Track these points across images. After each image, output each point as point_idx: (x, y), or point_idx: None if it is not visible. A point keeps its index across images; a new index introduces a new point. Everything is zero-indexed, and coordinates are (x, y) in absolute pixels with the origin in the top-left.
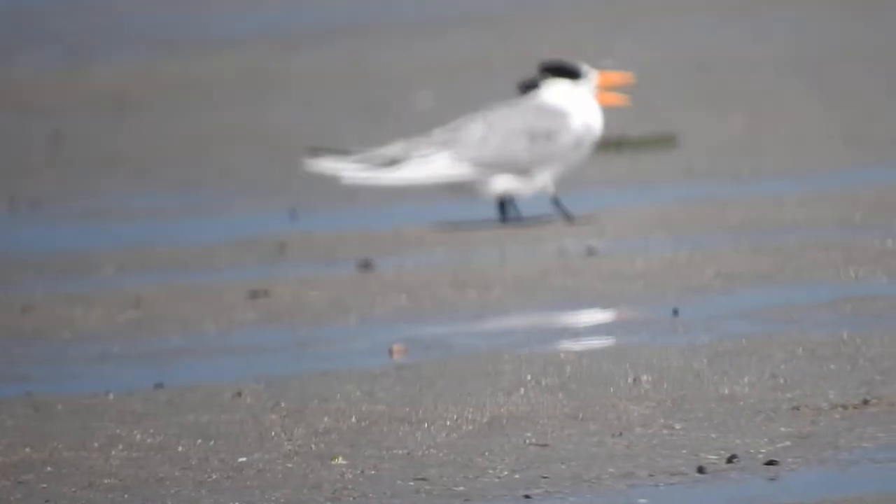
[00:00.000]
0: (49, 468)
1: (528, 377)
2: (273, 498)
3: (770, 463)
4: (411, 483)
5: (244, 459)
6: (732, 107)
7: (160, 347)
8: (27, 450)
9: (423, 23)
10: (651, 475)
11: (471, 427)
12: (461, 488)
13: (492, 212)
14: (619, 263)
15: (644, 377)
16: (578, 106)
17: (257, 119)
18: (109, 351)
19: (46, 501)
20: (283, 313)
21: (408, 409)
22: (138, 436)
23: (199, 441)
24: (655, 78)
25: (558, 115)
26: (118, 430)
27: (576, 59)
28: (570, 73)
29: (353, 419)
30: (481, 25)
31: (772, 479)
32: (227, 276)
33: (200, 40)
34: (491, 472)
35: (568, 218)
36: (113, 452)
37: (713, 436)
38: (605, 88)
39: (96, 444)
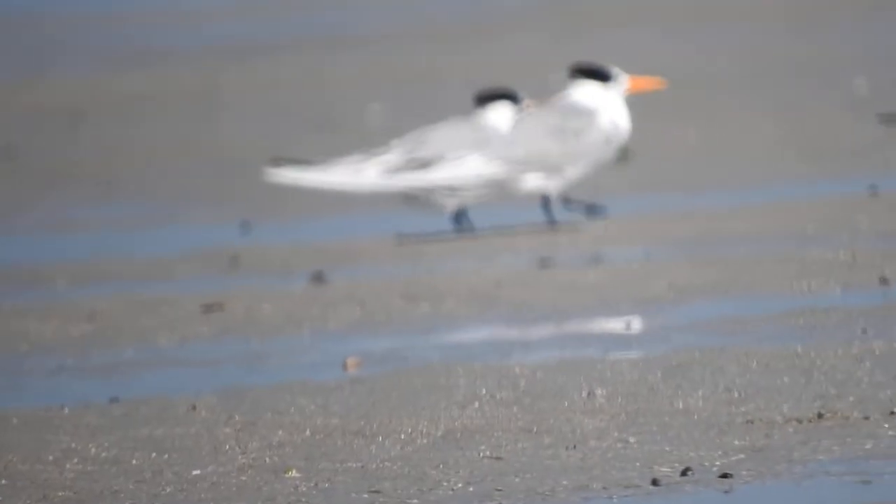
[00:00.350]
0: (4, 481)
1: (483, 390)
2: None
3: (724, 476)
4: (365, 496)
5: (198, 472)
6: (685, 120)
7: (115, 361)
8: None
9: (375, 35)
10: (605, 488)
11: (425, 440)
12: (415, 501)
13: (444, 223)
14: (572, 275)
15: (598, 390)
16: (607, 106)
17: (211, 131)
18: (64, 364)
19: None
20: (236, 327)
21: (362, 423)
22: (93, 449)
23: (154, 454)
24: None
25: (587, 114)
26: (73, 444)
27: (605, 63)
28: (600, 75)
29: (308, 432)
30: (434, 38)
31: (726, 493)
32: (181, 289)
33: (155, 53)
34: (445, 484)
35: (552, 222)
36: (68, 466)
37: (667, 449)
38: (634, 92)
39: (51, 458)
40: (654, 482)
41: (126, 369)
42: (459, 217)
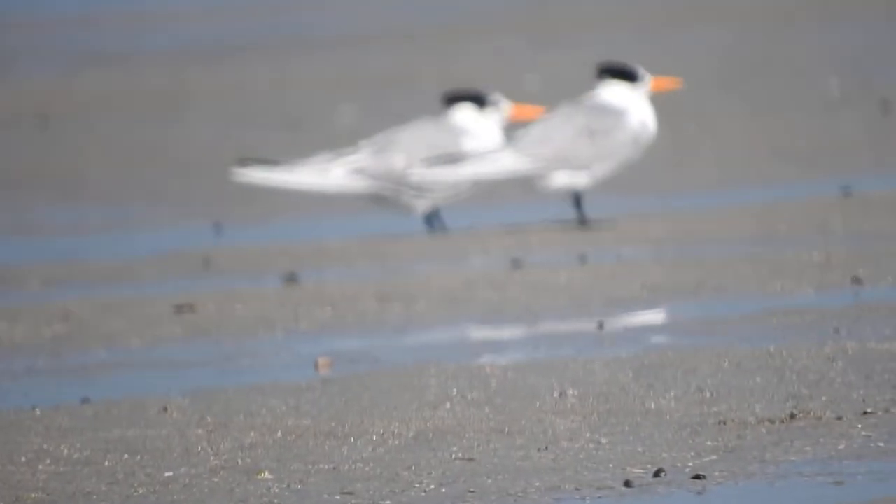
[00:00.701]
0: None
1: (454, 391)
2: None
3: (697, 477)
4: (337, 497)
5: (170, 474)
6: (658, 121)
7: (86, 362)
8: None
9: (346, 37)
10: (577, 489)
11: (397, 441)
12: (388, 502)
13: (417, 224)
14: (543, 276)
15: (570, 391)
16: (635, 106)
17: (180, 133)
18: (35, 365)
19: None
20: (208, 328)
21: (334, 424)
22: (65, 450)
23: (126, 456)
24: (578, 92)
25: (616, 113)
26: (45, 445)
27: (632, 63)
28: (627, 75)
29: (279, 433)
30: (404, 39)
31: (699, 494)
32: (152, 290)
33: (123, 55)
34: (417, 486)
35: (584, 221)
36: (40, 467)
37: (640, 450)
38: (657, 92)
39: (23, 459)
40: (627, 483)
41: (98, 370)
42: (432, 218)
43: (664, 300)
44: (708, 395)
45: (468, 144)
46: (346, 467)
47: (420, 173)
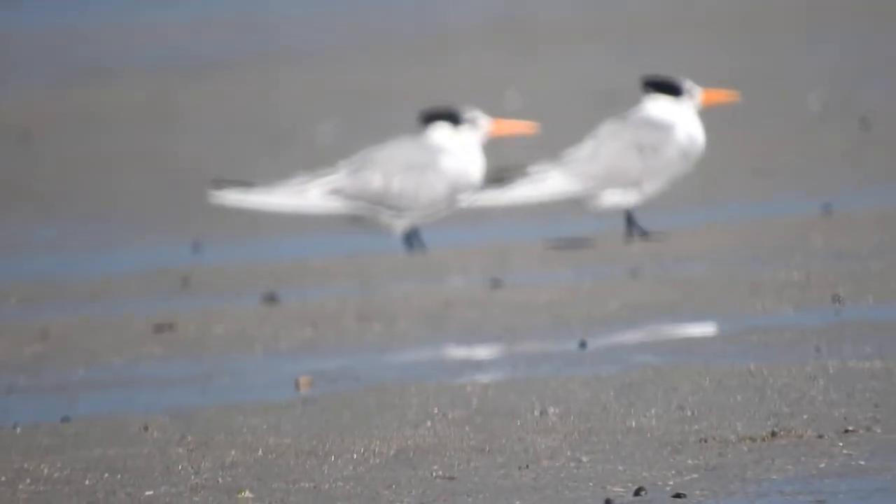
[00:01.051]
0: None
1: (435, 410)
2: None
3: (677, 496)
4: None
5: (151, 493)
6: None
7: (67, 380)
8: None
9: (326, 53)
10: None
11: (377, 460)
12: None
13: (397, 243)
14: (524, 295)
15: (551, 409)
16: (682, 120)
17: (162, 150)
18: (16, 384)
19: None
20: (188, 346)
21: (314, 442)
22: (45, 469)
23: (106, 475)
24: (559, 107)
25: (664, 128)
26: (25, 464)
27: (678, 77)
28: (672, 89)
29: (260, 452)
30: (388, 56)
31: None
32: (132, 308)
33: (106, 71)
34: None
35: (643, 234)
36: (20, 486)
37: (620, 468)
38: (708, 105)
39: (3, 478)
40: (608, 502)
41: (78, 389)
42: (411, 237)
43: (645, 318)
44: (689, 413)
45: (446, 163)
46: (327, 486)
47: (469, 198)
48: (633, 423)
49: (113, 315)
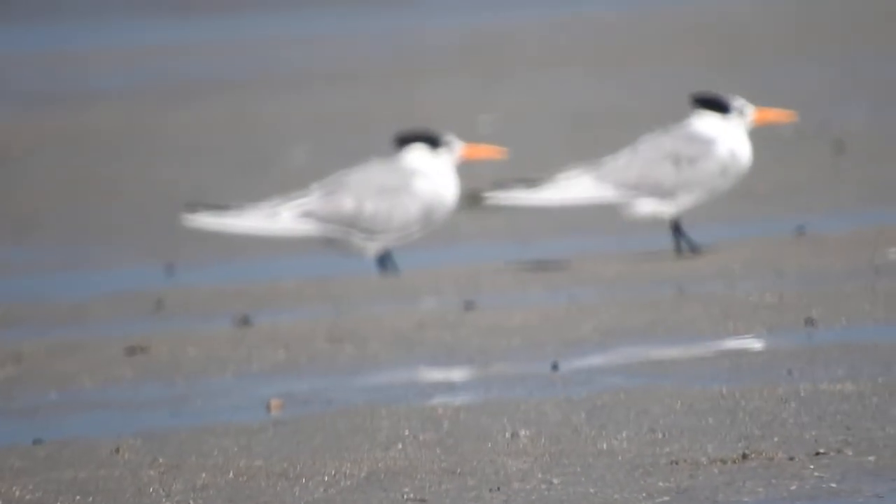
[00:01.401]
0: None
1: (406, 432)
2: None
3: None
4: None
5: None
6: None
7: (38, 403)
8: None
9: (301, 77)
10: None
11: (349, 482)
12: None
13: (369, 266)
14: (496, 317)
15: (522, 432)
16: (726, 137)
17: (136, 173)
18: None
19: None
20: (160, 369)
21: (285, 465)
22: (17, 492)
23: (78, 497)
24: (532, 130)
25: (704, 141)
26: None
27: (728, 95)
28: (719, 105)
29: (231, 474)
30: (359, 80)
31: None
32: (105, 331)
33: (81, 93)
34: None
35: (694, 249)
36: None
37: (591, 490)
38: (761, 123)
39: None
40: None
41: (50, 411)
42: (383, 259)
43: (617, 341)
44: (660, 435)
45: (419, 186)
46: None
47: (495, 196)
48: (605, 446)
49: (86, 338)
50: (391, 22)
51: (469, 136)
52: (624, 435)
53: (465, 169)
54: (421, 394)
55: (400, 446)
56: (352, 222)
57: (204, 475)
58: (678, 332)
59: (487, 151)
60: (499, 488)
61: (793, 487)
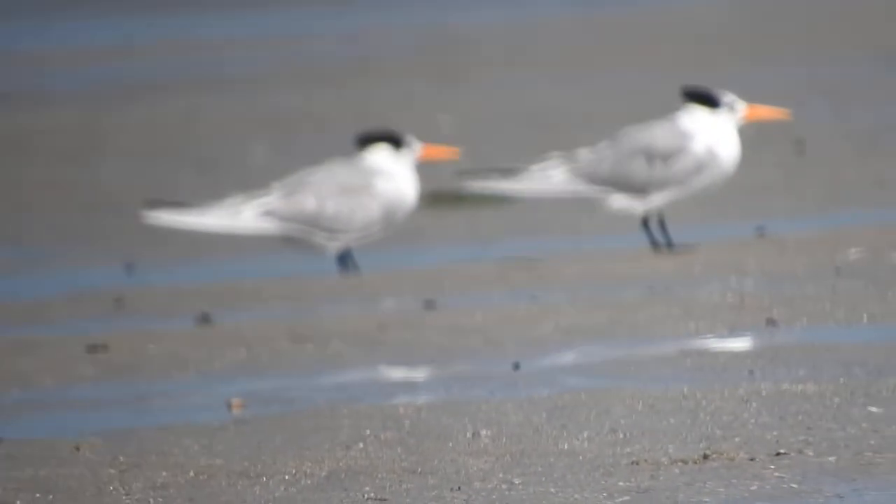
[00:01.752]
0: None
1: (367, 431)
2: None
3: None
4: None
5: None
6: None
7: None
8: None
9: (257, 77)
10: None
11: (309, 481)
12: None
13: (330, 265)
14: (457, 317)
15: (483, 431)
16: (707, 133)
17: (90, 173)
18: None
19: None
20: (121, 368)
21: (246, 464)
22: None
23: (38, 495)
24: (492, 130)
25: (681, 137)
26: None
27: (719, 90)
28: (708, 100)
29: (191, 473)
30: (316, 80)
31: None
32: (65, 330)
33: (31, 94)
34: None
35: (670, 246)
36: None
37: (552, 490)
38: (753, 120)
39: None
40: None
41: (10, 411)
42: (344, 258)
43: (578, 341)
44: (621, 435)
45: (381, 185)
46: None
47: (471, 185)
48: (566, 446)
49: (45, 337)
50: (349, 21)
51: (427, 137)
52: (585, 435)
53: (425, 169)
54: (382, 393)
55: (361, 445)
56: (313, 222)
57: (164, 474)
58: (640, 332)
59: (445, 152)
60: (459, 488)
61: (753, 488)
